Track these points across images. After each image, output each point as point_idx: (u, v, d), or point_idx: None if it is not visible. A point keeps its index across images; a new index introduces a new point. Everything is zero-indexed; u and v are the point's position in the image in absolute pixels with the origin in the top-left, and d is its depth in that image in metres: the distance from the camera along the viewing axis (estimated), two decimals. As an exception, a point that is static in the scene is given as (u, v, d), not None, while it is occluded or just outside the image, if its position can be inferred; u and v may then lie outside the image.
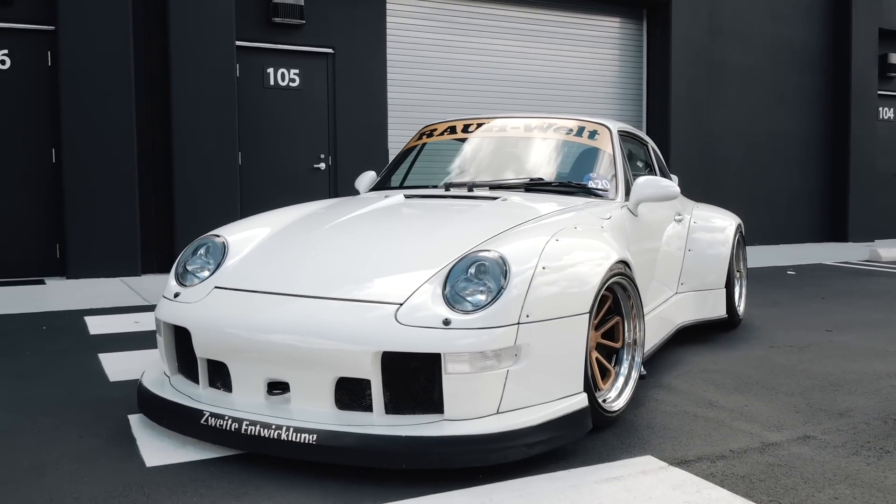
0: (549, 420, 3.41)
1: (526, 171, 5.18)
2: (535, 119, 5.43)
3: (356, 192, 5.72)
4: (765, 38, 12.74)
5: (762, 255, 11.64)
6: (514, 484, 3.27)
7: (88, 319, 6.99)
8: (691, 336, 6.14)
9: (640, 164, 5.99)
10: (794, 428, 4.14)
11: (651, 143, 6.23)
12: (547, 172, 5.15)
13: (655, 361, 5.40)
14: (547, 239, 3.64)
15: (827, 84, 13.32)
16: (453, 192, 4.95)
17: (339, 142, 9.73)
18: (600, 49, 11.90)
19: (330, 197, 8.44)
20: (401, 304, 3.34)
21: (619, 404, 4.08)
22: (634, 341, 4.24)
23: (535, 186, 4.99)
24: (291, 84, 9.32)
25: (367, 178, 5.74)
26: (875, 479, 3.47)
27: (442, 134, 5.64)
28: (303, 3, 9.25)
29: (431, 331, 3.20)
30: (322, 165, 9.57)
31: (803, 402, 4.57)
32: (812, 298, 8.24)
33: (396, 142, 9.95)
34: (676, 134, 11.62)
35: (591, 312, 3.64)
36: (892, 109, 13.99)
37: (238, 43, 9.09)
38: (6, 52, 8.01)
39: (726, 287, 6.12)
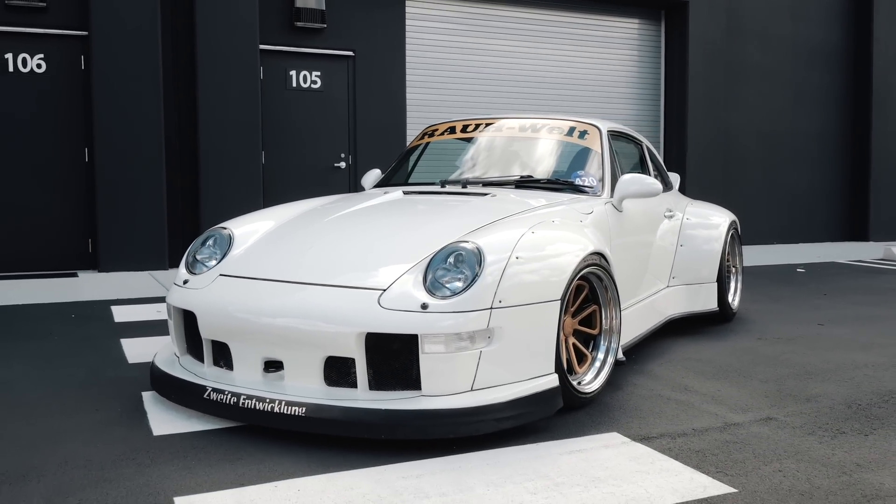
0: (519, 397, 3.70)
1: (518, 169, 5.45)
2: (530, 120, 5.69)
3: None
4: (784, 37, 12.74)
5: (777, 253, 11.78)
6: (484, 454, 3.58)
7: (115, 308, 7.42)
8: (684, 328, 6.38)
9: (633, 162, 6.25)
10: (758, 410, 4.39)
11: (645, 143, 6.46)
12: (537, 170, 5.42)
13: (643, 350, 5.66)
14: (523, 231, 3.92)
15: (848, 83, 13.28)
16: (448, 188, 5.26)
17: (358, 141, 9.99)
18: (619, 50, 12.07)
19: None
20: (384, 290, 3.64)
21: (594, 387, 4.34)
22: (611, 328, 4.51)
23: (525, 183, 5.27)
24: (313, 86, 9.59)
25: (373, 175, 6.06)
26: (822, 456, 3.72)
27: (443, 134, 5.94)
28: (324, 8, 9.53)
29: (410, 314, 3.50)
30: (342, 164, 9.83)
31: (775, 388, 4.80)
32: (814, 295, 8.40)
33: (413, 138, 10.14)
34: (693, 133, 11.76)
35: (563, 300, 3.92)
36: None
37: (262, 46, 9.40)
38: (42, 56, 8.33)
39: (718, 281, 6.36)
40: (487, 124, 5.82)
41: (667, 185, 6.65)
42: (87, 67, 8.74)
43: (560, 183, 5.26)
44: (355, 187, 9.98)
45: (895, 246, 11.61)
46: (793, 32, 12.97)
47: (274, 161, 9.86)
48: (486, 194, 4.92)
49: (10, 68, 8.21)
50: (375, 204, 4.98)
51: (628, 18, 11.98)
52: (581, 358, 4.44)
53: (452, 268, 3.64)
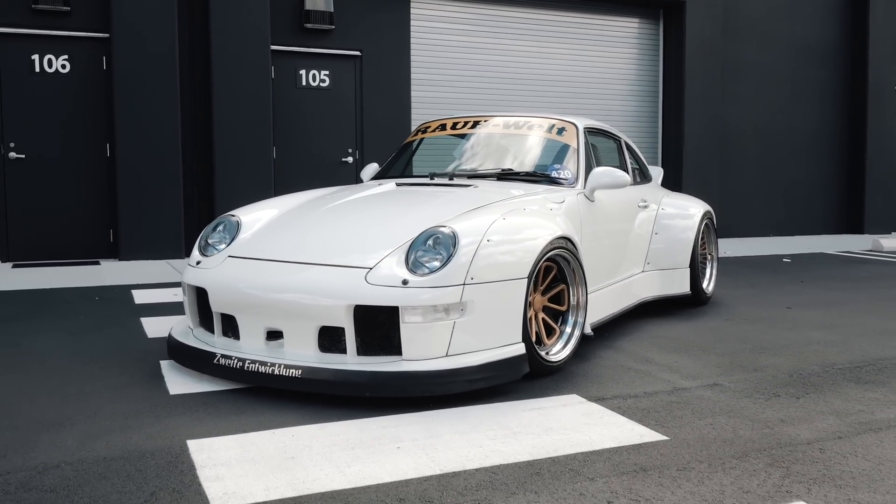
0: (488, 362, 4.22)
1: (501, 162, 5.97)
2: (514, 118, 6.18)
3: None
4: (781, 35, 13.12)
5: (769, 245, 12.17)
6: (455, 410, 4.12)
7: (135, 292, 8.03)
8: (660, 310, 6.90)
9: (611, 156, 6.76)
10: (707, 378, 4.90)
11: (623, 138, 6.94)
12: (517, 164, 5.92)
13: (617, 328, 6.18)
14: (495, 218, 4.42)
15: (844, 80, 13.67)
16: (436, 180, 5.78)
17: (365, 137, 10.48)
18: (618, 48, 12.46)
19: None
20: (370, 269, 4.16)
21: (560, 356, 4.86)
22: (577, 305, 5.02)
23: (506, 176, 5.77)
24: (322, 84, 10.09)
25: (370, 169, 6.59)
26: (753, 413, 4.23)
27: (435, 130, 6.46)
28: (332, 10, 10.02)
29: (392, 289, 4.01)
30: (350, 159, 10.28)
31: (728, 360, 5.28)
32: (792, 282, 8.82)
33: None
34: (690, 129, 12.16)
35: (529, 278, 4.41)
36: None
37: (273, 47, 9.90)
38: (66, 57, 8.88)
39: (691, 267, 6.83)
40: (476, 122, 6.31)
41: (645, 178, 7.15)
42: (108, 68, 9.29)
43: (538, 175, 5.72)
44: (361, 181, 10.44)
45: (883, 238, 11.95)
46: (789, 30, 13.31)
47: (284, 156, 10.35)
48: (469, 185, 5.39)
49: (37, 69, 8.74)
50: (370, 194, 5.50)
51: (627, 18, 12.36)
52: (550, 331, 4.94)
53: (431, 249, 4.13)
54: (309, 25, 9.89)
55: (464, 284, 4.04)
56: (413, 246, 4.17)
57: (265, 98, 9.72)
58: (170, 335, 4.98)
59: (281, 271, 4.38)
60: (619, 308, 6.06)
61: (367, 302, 4.03)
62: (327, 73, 10.09)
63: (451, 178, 5.76)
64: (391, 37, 10.62)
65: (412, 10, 10.68)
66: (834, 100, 13.67)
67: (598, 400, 4.37)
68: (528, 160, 5.90)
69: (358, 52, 10.33)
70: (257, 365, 4.23)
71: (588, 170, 5.73)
